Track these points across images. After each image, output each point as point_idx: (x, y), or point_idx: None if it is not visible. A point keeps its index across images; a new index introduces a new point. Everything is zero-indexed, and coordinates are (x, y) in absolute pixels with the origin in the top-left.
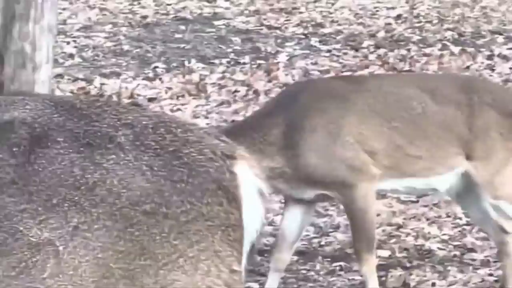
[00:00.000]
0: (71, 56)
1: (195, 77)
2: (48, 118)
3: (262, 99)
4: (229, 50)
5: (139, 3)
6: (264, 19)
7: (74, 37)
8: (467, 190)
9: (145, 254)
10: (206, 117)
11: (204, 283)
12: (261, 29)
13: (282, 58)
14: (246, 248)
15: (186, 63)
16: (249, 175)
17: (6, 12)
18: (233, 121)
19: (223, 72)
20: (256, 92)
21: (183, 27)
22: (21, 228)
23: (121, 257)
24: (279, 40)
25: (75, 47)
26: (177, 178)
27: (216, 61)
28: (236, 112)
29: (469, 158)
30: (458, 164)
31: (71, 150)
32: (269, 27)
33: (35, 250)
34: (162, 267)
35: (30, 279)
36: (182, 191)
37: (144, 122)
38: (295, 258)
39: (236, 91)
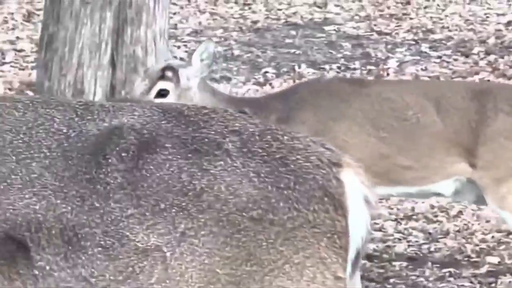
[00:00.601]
0: (182, 60)
1: None
2: (156, 124)
3: None
4: (339, 55)
5: (250, 8)
6: (375, 25)
7: (184, 41)
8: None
9: (252, 260)
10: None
11: None
12: (372, 34)
13: (392, 64)
14: (351, 255)
15: (296, 68)
16: (355, 183)
17: (118, 17)
18: None
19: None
20: None
21: (293, 32)
22: (128, 233)
23: (228, 263)
24: (389, 46)
25: (186, 51)
26: (283, 185)
27: (326, 66)
28: None
29: (473, 166)
30: (459, 172)
31: (179, 156)
32: (380, 33)
33: (142, 256)
34: (268, 273)
35: (137, 284)
36: (289, 198)
37: (251, 129)
38: (405, 264)
39: None
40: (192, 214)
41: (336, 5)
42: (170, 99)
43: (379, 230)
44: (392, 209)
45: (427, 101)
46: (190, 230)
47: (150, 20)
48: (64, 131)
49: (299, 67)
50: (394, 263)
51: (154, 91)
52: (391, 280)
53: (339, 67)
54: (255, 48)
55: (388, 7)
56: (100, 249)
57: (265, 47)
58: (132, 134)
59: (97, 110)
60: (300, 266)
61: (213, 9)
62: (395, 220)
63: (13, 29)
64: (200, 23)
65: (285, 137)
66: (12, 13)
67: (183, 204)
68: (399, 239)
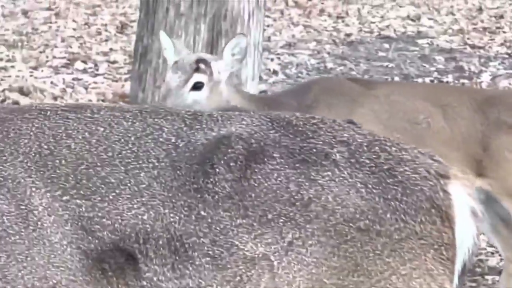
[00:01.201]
0: (275, 73)
1: None
2: (264, 134)
3: None
4: (433, 69)
5: (343, 21)
6: (468, 38)
7: (278, 54)
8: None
9: (359, 270)
10: None
11: None
12: (465, 48)
13: (486, 77)
14: (458, 267)
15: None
16: (462, 195)
17: (212, 29)
18: None
19: None
20: None
21: (386, 46)
22: (237, 243)
23: (335, 273)
24: (482, 60)
25: (279, 64)
26: (391, 196)
27: (420, 79)
28: None
29: (482, 176)
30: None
31: (286, 166)
32: (473, 46)
33: (250, 265)
34: (375, 283)
35: None
36: (396, 209)
37: (359, 140)
38: (497, 278)
39: None
40: (300, 224)
41: (430, 19)
42: (204, 92)
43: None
44: None
45: (434, 107)
46: (297, 239)
47: (245, 32)
48: (173, 140)
49: (392, 80)
50: (486, 277)
51: (190, 84)
52: None
53: (432, 81)
54: (348, 61)
55: (482, 21)
56: (208, 259)
57: (358, 60)
58: (240, 143)
59: (205, 120)
60: (407, 277)
61: (306, 21)
62: None
63: (106, 40)
64: (293, 35)
65: (393, 148)
66: (106, 25)
67: (291, 214)
68: (492, 253)
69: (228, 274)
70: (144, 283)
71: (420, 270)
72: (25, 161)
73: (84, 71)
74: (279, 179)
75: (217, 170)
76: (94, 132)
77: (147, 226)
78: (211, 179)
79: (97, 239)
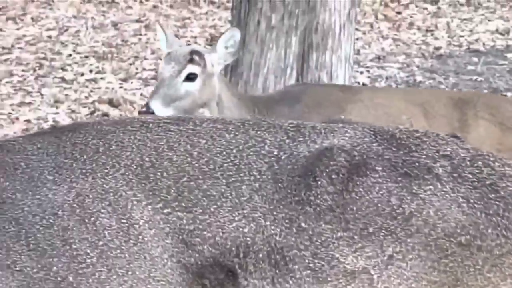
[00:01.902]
0: (365, 86)
1: None
2: (367, 147)
3: None
4: None
5: (433, 34)
6: None
7: (367, 67)
8: None
9: (459, 285)
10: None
11: None
12: None
13: None
14: None
15: None
16: None
17: (304, 42)
18: None
19: None
20: None
21: (475, 59)
22: (337, 255)
23: (435, 287)
24: None
25: (368, 77)
26: (492, 212)
27: (509, 93)
28: None
29: None
30: None
31: (388, 180)
32: None
33: (350, 278)
34: None
35: None
36: (497, 225)
37: (462, 155)
38: None
39: None
40: (401, 238)
41: None
42: (197, 83)
43: None
44: None
45: (415, 107)
46: (398, 253)
47: (336, 46)
48: (275, 153)
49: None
50: None
51: (183, 74)
52: None
53: None
54: (437, 75)
55: None
56: (308, 271)
57: (447, 73)
58: (343, 155)
59: (308, 132)
60: None
61: (395, 35)
62: None
63: None
64: (383, 49)
65: (496, 164)
66: (195, 37)
67: (392, 227)
68: None
69: (327, 287)
70: None
71: None
72: (127, 173)
73: None
74: (380, 192)
75: (319, 182)
76: (196, 145)
77: (248, 239)
78: (313, 192)
79: (198, 252)
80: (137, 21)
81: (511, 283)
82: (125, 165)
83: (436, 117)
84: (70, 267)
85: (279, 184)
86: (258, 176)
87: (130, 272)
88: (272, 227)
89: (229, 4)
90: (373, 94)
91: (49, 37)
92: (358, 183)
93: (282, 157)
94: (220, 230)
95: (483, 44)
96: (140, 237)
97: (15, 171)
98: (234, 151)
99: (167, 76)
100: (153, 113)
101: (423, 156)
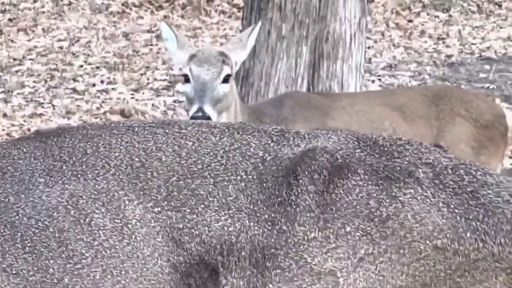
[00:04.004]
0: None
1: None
2: (350, 153)
3: None
4: None
5: (444, 42)
6: None
7: (379, 75)
8: None
9: None
10: (511, 157)
11: None
12: None
13: None
14: None
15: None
16: None
17: (314, 51)
18: None
19: None
20: None
21: (487, 67)
22: (306, 256)
23: None
24: None
25: (380, 85)
26: (472, 217)
27: None
28: None
29: None
30: None
31: (369, 183)
32: None
33: (316, 278)
34: None
35: None
36: (476, 229)
37: (444, 163)
38: None
39: None
40: (375, 240)
41: None
42: (229, 85)
43: None
44: None
45: (394, 111)
46: (369, 255)
47: (347, 55)
48: (260, 155)
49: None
50: None
51: (222, 76)
52: None
53: None
54: (449, 83)
55: None
56: (278, 271)
57: (459, 81)
58: (325, 156)
59: (292, 137)
60: None
61: (407, 43)
62: None
63: None
64: (394, 57)
65: (478, 172)
66: None
67: (368, 229)
68: None
69: (292, 287)
70: None
71: None
72: (117, 173)
73: None
74: (360, 194)
75: (300, 181)
76: (183, 146)
77: (232, 237)
78: (294, 190)
79: (186, 251)
80: (148, 31)
81: None
82: (115, 165)
83: (414, 120)
84: (66, 268)
85: (264, 184)
86: (244, 176)
87: (123, 272)
88: (256, 228)
89: (240, 14)
90: (353, 100)
91: (60, 48)
92: (338, 184)
93: (267, 159)
94: (206, 228)
95: (495, 51)
96: (133, 236)
97: (3, 175)
98: (221, 152)
99: (208, 79)
100: (209, 118)
101: (405, 162)
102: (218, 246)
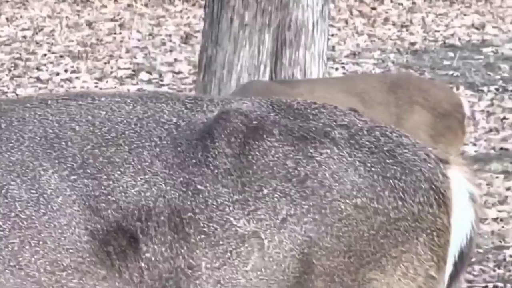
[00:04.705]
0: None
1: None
2: (265, 115)
3: None
4: (498, 77)
5: (408, 30)
6: None
7: (342, 63)
8: None
9: (350, 251)
10: (474, 144)
11: (399, 284)
12: None
13: None
14: (452, 255)
15: (454, 90)
16: (461, 180)
17: (277, 39)
18: (501, 148)
19: (492, 99)
20: None
21: (451, 54)
22: (231, 219)
23: (325, 253)
24: None
25: (344, 73)
26: (390, 175)
27: (485, 88)
28: (504, 139)
29: None
30: None
31: (285, 143)
32: None
33: (240, 241)
34: (364, 265)
35: (232, 271)
36: (395, 187)
37: (360, 125)
38: None
39: (504, 118)
40: (295, 200)
41: (494, 27)
42: None
43: None
44: None
45: (354, 97)
46: (292, 216)
47: (309, 42)
48: (174, 121)
49: (457, 89)
50: None
51: None
52: None
53: (497, 89)
54: (412, 70)
55: None
56: (202, 236)
57: (423, 69)
58: (239, 117)
59: (206, 104)
60: (396, 260)
61: (370, 30)
62: None
63: (171, 51)
64: (358, 45)
65: (394, 134)
66: (170, 35)
67: (286, 190)
68: None
69: (218, 251)
70: (143, 264)
71: (410, 254)
72: (31, 145)
73: (149, 81)
74: (276, 155)
75: (217, 143)
76: (96, 116)
77: (150, 202)
78: (211, 153)
79: (103, 218)
80: (112, 20)
81: (401, 251)
82: (29, 138)
83: (374, 106)
84: None
85: (178, 149)
86: (158, 142)
87: (41, 242)
88: (172, 191)
89: (203, 2)
90: (313, 87)
91: (24, 37)
92: (254, 146)
93: (181, 125)
94: (123, 194)
95: (459, 39)
96: (49, 206)
97: None
98: (134, 120)
99: None
100: None
101: (320, 124)
102: (136, 212)
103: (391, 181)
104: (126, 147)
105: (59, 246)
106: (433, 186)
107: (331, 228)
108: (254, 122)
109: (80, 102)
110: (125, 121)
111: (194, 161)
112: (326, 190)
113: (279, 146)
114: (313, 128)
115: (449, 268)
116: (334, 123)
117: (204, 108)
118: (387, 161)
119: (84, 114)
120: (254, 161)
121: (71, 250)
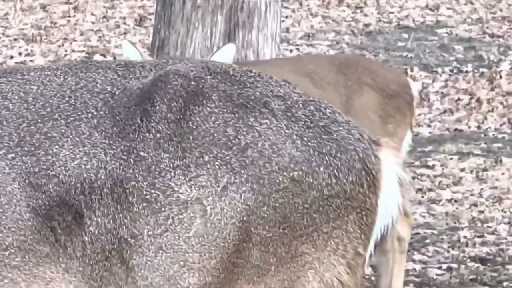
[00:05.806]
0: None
1: (417, 85)
2: (202, 78)
3: (485, 107)
4: (452, 58)
5: (362, 11)
6: (487, 27)
7: (297, 45)
8: None
9: (285, 223)
10: (429, 125)
11: (329, 260)
12: (484, 37)
13: (505, 66)
14: (377, 234)
15: (408, 71)
16: (392, 163)
17: (229, 21)
18: (455, 129)
19: (446, 80)
20: (478, 101)
21: (405, 35)
22: (173, 185)
23: (262, 223)
24: (501, 49)
25: (298, 55)
26: (325, 151)
27: (439, 69)
28: (459, 120)
29: None
30: None
31: (225, 110)
32: (492, 35)
33: (183, 208)
34: (297, 238)
35: (174, 237)
36: (330, 164)
37: (295, 98)
38: None
39: (459, 99)
40: (235, 169)
41: (448, 8)
42: None
43: (492, 233)
44: (505, 212)
45: (303, 77)
46: (232, 184)
47: (262, 24)
48: (108, 89)
49: (412, 70)
50: (507, 266)
51: None
52: (505, 284)
53: (451, 70)
54: (367, 52)
55: (501, 10)
56: (145, 204)
57: (377, 50)
58: (179, 80)
59: (138, 70)
60: (327, 236)
61: (325, 12)
62: (509, 223)
63: (125, 33)
64: (312, 26)
65: (327, 110)
66: (124, 18)
67: (227, 158)
68: None
69: (160, 218)
70: (86, 238)
71: (340, 230)
72: None
73: None
74: (217, 122)
75: (157, 107)
76: (28, 91)
77: (91, 175)
78: (152, 117)
79: (44, 193)
80: (66, 2)
81: (332, 227)
82: None
83: (324, 86)
84: None
85: (117, 117)
86: (95, 113)
87: None
88: (113, 161)
89: None
90: (263, 68)
91: None
92: (194, 111)
93: (116, 93)
94: (63, 168)
95: (413, 20)
96: None
97: None
98: (68, 92)
99: None
100: None
101: (258, 93)
102: (78, 185)
103: (326, 157)
104: (62, 121)
105: (0, 225)
106: (365, 167)
107: (268, 199)
108: (193, 84)
109: (10, 79)
110: (58, 95)
111: (133, 127)
112: (265, 161)
113: (219, 113)
114: (252, 97)
115: (371, 247)
116: (271, 93)
117: (137, 74)
118: (323, 136)
119: (15, 91)
120: (194, 127)
121: (13, 229)
